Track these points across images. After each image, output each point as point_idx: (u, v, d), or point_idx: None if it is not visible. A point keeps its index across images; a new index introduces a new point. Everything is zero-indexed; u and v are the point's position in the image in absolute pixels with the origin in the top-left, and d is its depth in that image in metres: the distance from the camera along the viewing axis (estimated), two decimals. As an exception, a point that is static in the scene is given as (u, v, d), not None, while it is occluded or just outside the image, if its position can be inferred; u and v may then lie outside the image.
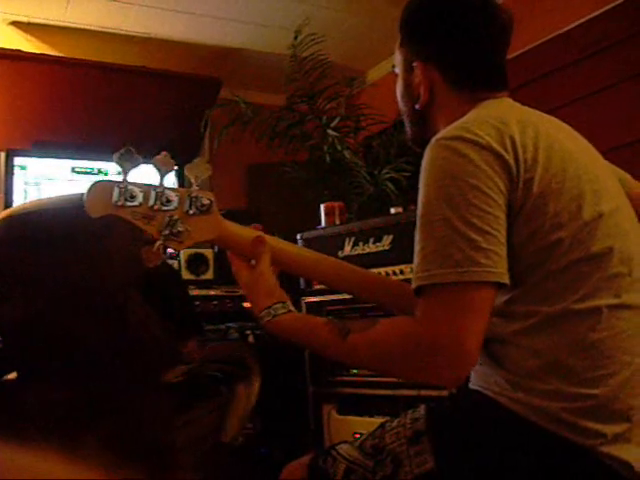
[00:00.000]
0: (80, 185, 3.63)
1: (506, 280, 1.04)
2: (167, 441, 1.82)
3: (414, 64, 1.32)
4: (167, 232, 1.20)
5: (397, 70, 1.40)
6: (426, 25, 1.33)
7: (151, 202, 1.20)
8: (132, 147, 1.19)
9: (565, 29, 3.31)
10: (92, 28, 3.92)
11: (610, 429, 1.05)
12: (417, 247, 1.08)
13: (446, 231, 1.04)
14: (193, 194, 1.23)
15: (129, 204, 1.18)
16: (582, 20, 3.23)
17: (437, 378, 1.06)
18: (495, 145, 1.08)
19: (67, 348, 1.95)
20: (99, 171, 3.74)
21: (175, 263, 3.51)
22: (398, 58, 1.38)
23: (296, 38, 3.67)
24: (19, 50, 3.75)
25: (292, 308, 1.26)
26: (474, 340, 1.01)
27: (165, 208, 1.21)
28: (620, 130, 2.97)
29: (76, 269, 1.90)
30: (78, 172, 3.70)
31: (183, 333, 2.17)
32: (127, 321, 1.92)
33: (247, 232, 1.32)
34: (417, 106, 1.33)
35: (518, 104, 1.29)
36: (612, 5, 3.08)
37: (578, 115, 3.08)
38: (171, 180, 3.16)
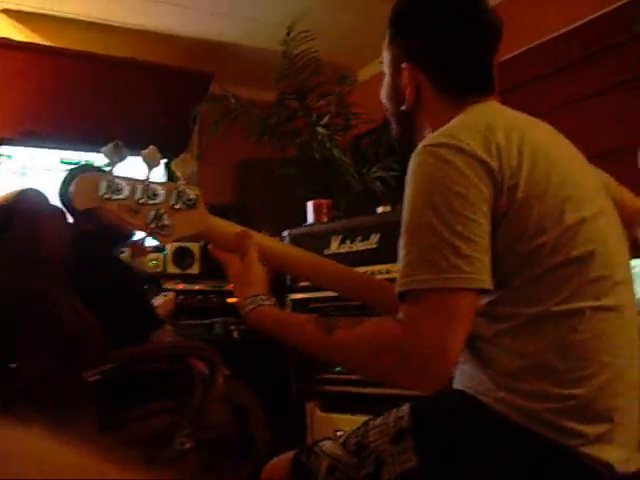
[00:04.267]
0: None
1: (489, 286, 1.05)
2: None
3: (402, 65, 1.31)
4: (153, 226, 1.20)
5: (384, 69, 1.39)
6: (415, 27, 1.32)
7: (137, 196, 1.20)
8: (120, 140, 1.19)
9: (556, 34, 3.33)
10: (83, 18, 3.90)
11: (592, 429, 1.06)
12: (401, 252, 1.09)
13: (430, 238, 1.05)
14: (180, 188, 1.23)
15: (115, 197, 1.18)
16: (573, 25, 3.24)
17: (417, 380, 1.07)
18: (480, 152, 1.08)
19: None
20: (87, 162, 3.72)
21: (161, 256, 3.50)
22: (386, 57, 1.38)
23: (288, 34, 3.67)
24: (8, 38, 3.72)
25: (275, 303, 1.26)
26: (455, 344, 1.02)
27: (151, 202, 1.21)
28: (609, 135, 2.99)
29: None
30: (66, 163, 3.68)
31: (145, 325, 2.16)
32: (46, 310, 1.93)
33: (233, 227, 1.32)
34: (403, 107, 1.33)
35: (505, 108, 1.29)
36: (603, 11, 3.10)
37: (567, 119, 3.10)
38: (160, 172, 3.15)
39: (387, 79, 1.38)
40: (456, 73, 1.29)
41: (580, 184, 1.17)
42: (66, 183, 2.33)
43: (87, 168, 2.67)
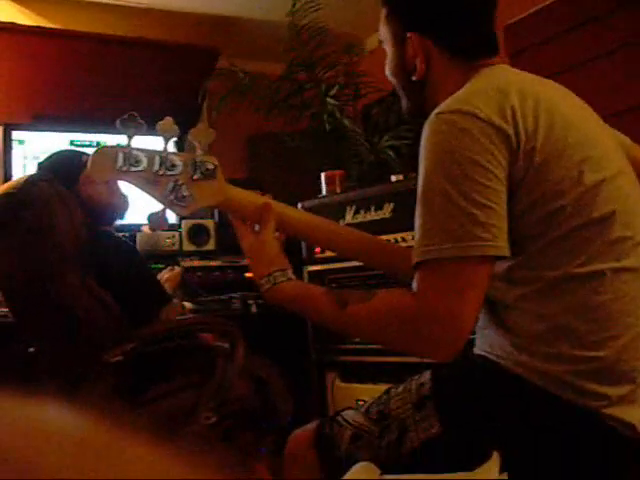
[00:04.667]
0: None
1: (506, 253, 1.05)
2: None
3: (408, 35, 1.28)
4: (172, 197, 1.20)
5: (385, 45, 1.36)
6: None
7: (155, 167, 1.19)
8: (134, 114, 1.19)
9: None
10: (88, -1, 3.88)
11: (614, 391, 1.06)
12: (417, 222, 1.09)
13: (445, 206, 1.04)
14: (198, 159, 1.23)
15: (134, 169, 1.18)
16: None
17: (432, 350, 1.08)
18: (495, 117, 1.07)
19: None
20: (97, 143, 3.72)
21: (176, 234, 3.51)
22: (386, 32, 1.34)
23: (294, 5, 3.63)
24: (14, 23, 3.70)
25: (292, 276, 1.26)
26: (470, 314, 1.03)
27: (170, 173, 1.20)
28: (622, 94, 2.96)
29: (17, 247, 1.93)
30: (77, 145, 3.68)
31: (155, 302, 2.16)
32: (59, 293, 1.94)
33: (252, 197, 1.32)
34: (414, 77, 1.30)
35: (517, 70, 1.28)
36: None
37: (578, 80, 3.06)
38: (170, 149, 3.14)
39: (391, 54, 1.34)
40: (464, 36, 1.27)
41: (597, 144, 1.16)
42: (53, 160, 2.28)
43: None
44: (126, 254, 2.22)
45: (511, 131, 1.07)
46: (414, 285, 1.06)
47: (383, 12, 1.34)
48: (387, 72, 1.38)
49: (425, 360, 1.19)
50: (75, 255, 1.96)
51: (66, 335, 1.97)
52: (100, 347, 1.90)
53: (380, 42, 1.40)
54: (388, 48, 1.35)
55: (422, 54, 1.27)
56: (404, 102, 1.40)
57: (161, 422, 1.84)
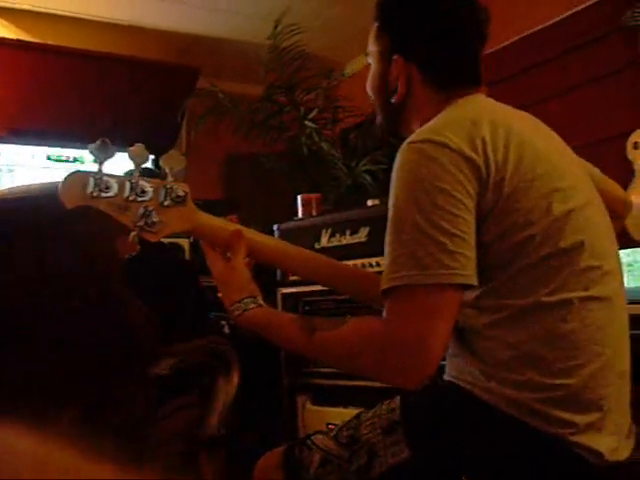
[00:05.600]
0: (55, 173, 3.59)
1: (474, 282, 1.06)
2: (142, 433, 1.81)
3: (394, 57, 1.30)
4: (142, 223, 1.20)
5: (370, 59, 1.38)
6: (407, 20, 1.31)
7: (126, 193, 1.20)
8: (107, 136, 1.19)
9: (543, 25, 3.34)
10: (69, 14, 3.87)
11: (582, 419, 1.07)
12: (387, 249, 1.09)
13: (415, 234, 1.05)
14: (168, 185, 1.23)
15: (104, 195, 1.18)
16: (561, 17, 3.25)
17: (400, 377, 1.07)
18: (465, 148, 1.08)
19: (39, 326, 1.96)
20: (74, 159, 3.70)
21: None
22: (374, 47, 1.36)
23: (276, 28, 3.65)
24: (-9, 35, 3.69)
25: (262, 303, 1.26)
26: (439, 341, 1.03)
27: (140, 199, 1.21)
28: (597, 125, 3.01)
29: (52, 257, 1.91)
30: (53, 160, 3.66)
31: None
32: (106, 308, 1.92)
33: (222, 223, 1.32)
34: (393, 100, 1.32)
35: (491, 101, 1.29)
36: (590, 3, 3.11)
37: (555, 110, 3.11)
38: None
39: (375, 70, 1.36)
40: (449, 68, 1.28)
41: (566, 175, 1.18)
42: None
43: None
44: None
45: (481, 162, 1.08)
46: (384, 313, 1.07)
47: (374, 26, 1.35)
48: (368, 87, 1.39)
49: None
50: (119, 268, 1.97)
51: (114, 348, 1.96)
52: (145, 361, 1.89)
53: (366, 54, 1.41)
54: (373, 63, 1.36)
55: (404, 78, 1.29)
56: (379, 119, 1.41)
57: (170, 440, 1.84)
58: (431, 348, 1.02)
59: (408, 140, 1.13)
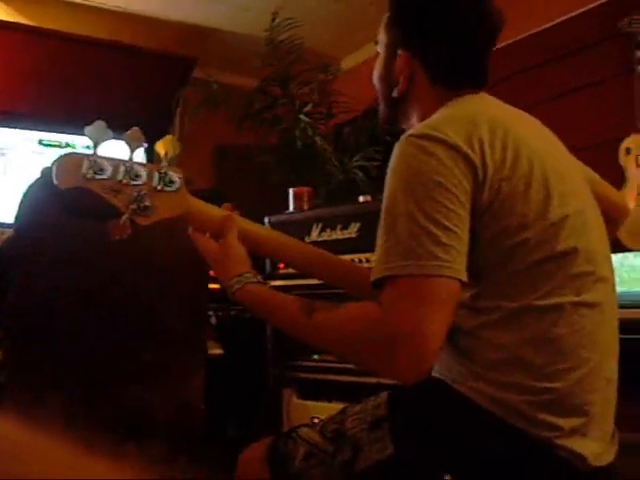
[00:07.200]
0: (46, 157, 3.57)
1: (462, 277, 1.05)
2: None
3: (399, 51, 1.31)
4: (134, 206, 1.20)
5: (379, 48, 1.38)
6: (415, 17, 1.30)
7: (120, 176, 1.20)
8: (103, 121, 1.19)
9: (538, 29, 3.35)
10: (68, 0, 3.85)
11: (567, 422, 1.08)
12: (379, 241, 1.09)
13: (408, 225, 1.05)
14: (162, 170, 1.23)
15: (98, 177, 1.18)
16: (561, 19, 3.27)
17: (394, 370, 1.05)
18: (462, 145, 1.08)
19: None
20: (66, 144, 3.68)
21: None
22: (383, 39, 1.36)
23: (273, 20, 3.65)
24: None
25: (262, 280, 1.27)
26: (432, 332, 1.00)
27: (133, 183, 1.21)
28: (591, 129, 3.02)
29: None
30: (45, 144, 3.64)
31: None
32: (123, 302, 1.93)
33: (215, 211, 1.32)
34: (394, 93, 1.33)
35: (493, 100, 1.29)
36: (589, 7, 3.12)
37: (553, 112, 3.12)
38: (140, 157, 3.12)
39: (381, 61, 1.37)
40: (452, 65, 1.29)
41: (564, 179, 1.18)
42: None
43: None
44: None
45: (478, 161, 1.08)
46: (380, 301, 1.06)
47: (385, 17, 1.36)
48: (374, 74, 1.40)
49: (384, 381, 1.18)
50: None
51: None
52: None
53: (376, 42, 1.41)
54: (381, 53, 1.37)
55: (407, 73, 1.30)
56: (381, 109, 1.42)
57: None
58: (425, 339, 1.00)
59: (406, 134, 1.13)
